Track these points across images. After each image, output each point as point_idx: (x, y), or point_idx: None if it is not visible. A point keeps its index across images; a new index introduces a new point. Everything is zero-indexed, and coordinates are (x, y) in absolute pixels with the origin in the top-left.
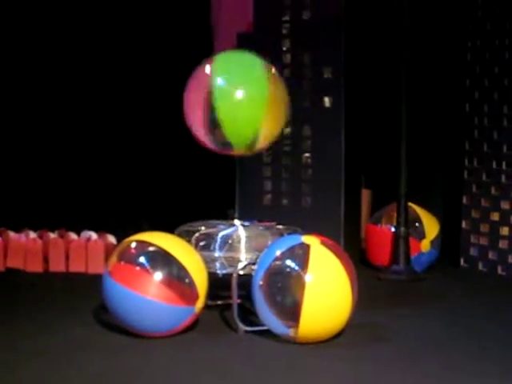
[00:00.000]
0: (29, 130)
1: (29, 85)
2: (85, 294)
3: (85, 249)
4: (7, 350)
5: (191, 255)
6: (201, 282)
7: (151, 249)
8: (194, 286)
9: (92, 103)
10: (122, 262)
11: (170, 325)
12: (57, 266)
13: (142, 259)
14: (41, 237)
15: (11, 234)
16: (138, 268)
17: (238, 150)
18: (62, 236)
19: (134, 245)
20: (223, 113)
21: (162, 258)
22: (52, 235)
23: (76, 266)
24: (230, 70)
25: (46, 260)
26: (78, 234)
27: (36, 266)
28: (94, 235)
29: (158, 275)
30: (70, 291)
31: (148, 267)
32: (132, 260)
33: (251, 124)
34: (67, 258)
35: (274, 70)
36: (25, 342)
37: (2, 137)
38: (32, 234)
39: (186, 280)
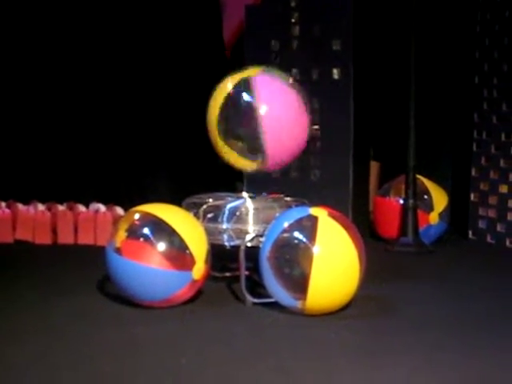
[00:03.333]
0: (38, 103)
1: (38, 67)
2: (93, 266)
3: (93, 221)
4: (13, 320)
5: (188, 223)
6: (197, 249)
7: (149, 220)
8: (189, 252)
9: (98, 79)
10: (127, 236)
11: (169, 290)
12: (65, 238)
13: (142, 231)
14: (49, 209)
15: (20, 206)
16: (140, 239)
17: None
18: (70, 208)
19: (136, 217)
20: None
21: (158, 227)
22: (60, 207)
23: (84, 238)
24: None
25: (54, 232)
26: (87, 206)
27: (45, 238)
28: (102, 207)
29: (155, 244)
30: (79, 263)
31: (147, 238)
32: (135, 233)
33: None
34: (76, 230)
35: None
36: (31, 312)
37: (11, 110)
38: (40, 206)
39: (182, 246)
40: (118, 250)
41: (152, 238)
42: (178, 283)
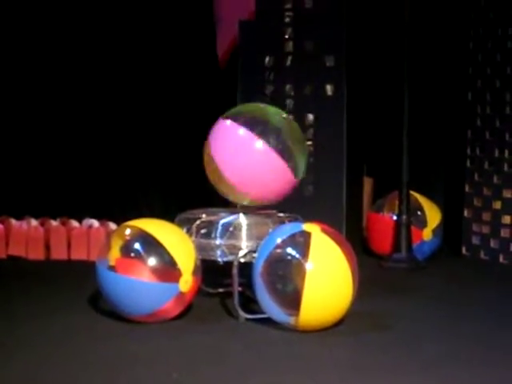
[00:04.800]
0: (30, 117)
1: (30, 77)
2: (86, 282)
3: (86, 236)
4: (6, 336)
5: (174, 236)
6: (183, 261)
7: (138, 234)
8: (175, 265)
9: (91, 92)
10: (121, 254)
11: (157, 303)
12: (58, 253)
13: (132, 246)
14: (42, 224)
15: (13, 221)
16: (131, 255)
17: None
18: (63, 223)
19: (127, 232)
20: None
21: (145, 241)
22: (54, 223)
23: (78, 254)
24: None
25: (47, 248)
26: (80, 221)
27: (38, 254)
28: (95, 223)
29: (143, 258)
30: (72, 279)
31: (136, 253)
32: (127, 249)
33: None
34: (69, 245)
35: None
36: (24, 328)
37: (4, 124)
38: (34, 222)
39: (168, 259)
40: (112, 268)
41: (141, 252)
42: (164, 295)
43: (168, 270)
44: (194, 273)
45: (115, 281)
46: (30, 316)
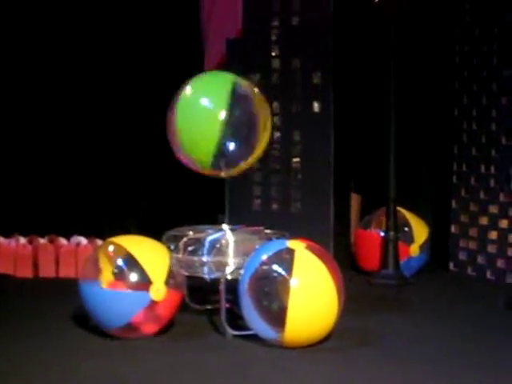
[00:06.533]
0: (18, 136)
1: (21, 93)
2: (74, 299)
3: (75, 254)
4: None
5: (146, 247)
6: (154, 270)
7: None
8: (145, 274)
9: (81, 110)
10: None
11: (130, 312)
12: (47, 271)
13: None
14: (30, 242)
15: (1, 239)
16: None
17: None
18: (51, 241)
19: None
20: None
21: (120, 254)
22: (42, 240)
23: (66, 272)
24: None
25: (35, 265)
26: (68, 239)
27: (26, 272)
28: (83, 240)
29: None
30: (60, 296)
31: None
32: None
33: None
34: (57, 263)
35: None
36: (11, 346)
37: None
38: (22, 240)
39: (137, 268)
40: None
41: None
42: (136, 304)
43: (137, 278)
44: (170, 284)
45: (91, 293)
46: (20, 335)
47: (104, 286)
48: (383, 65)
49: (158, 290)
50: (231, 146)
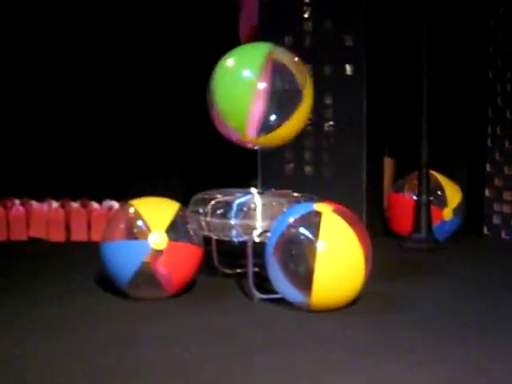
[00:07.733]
0: (51, 101)
1: (45, 64)
2: None
3: (106, 218)
4: (23, 313)
5: (151, 201)
6: (152, 219)
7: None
8: (144, 222)
9: (118, 74)
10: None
11: (135, 262)
12: (79, 235)
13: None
14: (63, 206)
15: (34, 203)
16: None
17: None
18: (84, 205)
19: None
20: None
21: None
22: (74, 204)
23: (98, 236)
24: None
25: (67, 229)
26: (100, 203)
27: (58, 236)
28: (115, 204)
29: (120, 223)
30: (91, 260)
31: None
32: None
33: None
34: (89, 227)
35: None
36: (42, 306)
37: (23, 106)
38: (54, 204)
39: (137, 218)
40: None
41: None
42: (138, 253)
43: (137, 227)
44: (168, 230)
45: (102, 252)
46: (49, 295)
47: (108, 241)
48: (416, 27)
49: (157, 238)
50: (272, 116)
